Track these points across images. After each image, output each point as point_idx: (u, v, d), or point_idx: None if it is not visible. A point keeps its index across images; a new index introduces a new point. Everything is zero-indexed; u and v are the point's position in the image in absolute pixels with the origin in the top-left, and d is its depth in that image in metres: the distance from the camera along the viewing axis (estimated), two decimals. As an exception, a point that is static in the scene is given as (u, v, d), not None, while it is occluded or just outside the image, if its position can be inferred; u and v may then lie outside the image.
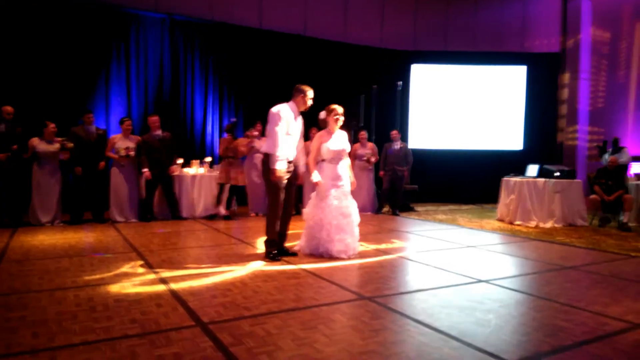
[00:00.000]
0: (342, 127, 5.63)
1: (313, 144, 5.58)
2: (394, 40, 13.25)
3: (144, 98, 10.26)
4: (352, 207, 5.49)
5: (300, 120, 5.38)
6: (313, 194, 5.58)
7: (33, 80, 8.94)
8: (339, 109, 5.51)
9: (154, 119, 8.20)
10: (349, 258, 5.27)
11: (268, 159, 5.11)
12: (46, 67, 9.08)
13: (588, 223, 8.54)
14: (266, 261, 5.09)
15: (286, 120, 5.10)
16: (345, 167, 5.57)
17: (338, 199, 5.40)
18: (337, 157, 5.49)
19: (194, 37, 10.75)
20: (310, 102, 5.31)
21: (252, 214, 9.14)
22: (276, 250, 5.28)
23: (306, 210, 5.60)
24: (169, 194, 8.33)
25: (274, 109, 5.13)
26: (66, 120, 8.59)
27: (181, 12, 10.57)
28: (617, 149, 11.07)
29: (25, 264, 4.87)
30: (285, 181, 5.23)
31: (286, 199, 5.33)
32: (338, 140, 5.51)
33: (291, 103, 5.27)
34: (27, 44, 8.90)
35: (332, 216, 5.32)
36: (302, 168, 5.58)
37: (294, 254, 5.40)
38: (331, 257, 5.25)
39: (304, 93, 5.23)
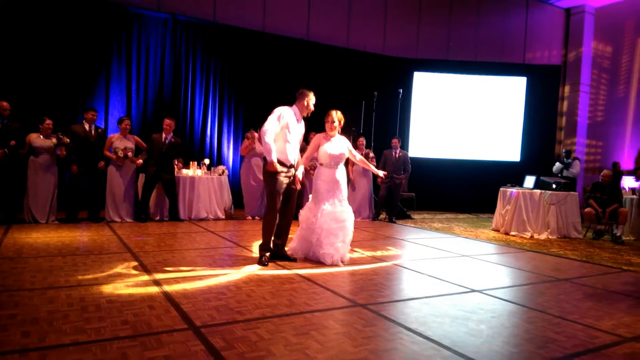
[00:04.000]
0: (341, 133, 5.63)
1: (311, 144, 5.64)
2: (397, 47, 13.30)
3: (144, 98, 10.24)
4: (346, 213, 5.46)
5: (302, 125, 5.34)
6: (310, 197, 5.61)
7: (33, 77, 8.92)
8: (335, 115, 5.47)
9: (169, 122, 8.24)
10: (334, 264, 5.22)
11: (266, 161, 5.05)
12: (46, 64, 9.06)
13: (582, 235, 8.57)
14: (260, 265, 5.08)
15: (286, 121, 5.06)
16: (342, 173, 5.56)
17: (332, 204, 5.41)
18: (334, 161, 5.47)
19: (197, 38, 10.76)
20: (312, 108, 5.29)
21: (249, 217, 9.11)
22: (269, 254, 5.25)
23: (302, 213, 5.60)
24: (172, 195, 8.32)
25: (276, 109, 5.09)
26: (66, 117, 8.62)
27: (184, 12, 10.58)
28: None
29: (18, 261, 4.85)
30: (285, 186, 5.17)
31: (285, 204, 5.31)
32: (337, 144, 5.50)
33: (294, 107, 5.26)
34: (28, 40, 8.89)
35: (324, 220, 5.32)
36: (299, 174, 5.41)
37: (294, 260, 5.35)
38: (319, 261, 5.30)
39: (306, 97, 5.21)
